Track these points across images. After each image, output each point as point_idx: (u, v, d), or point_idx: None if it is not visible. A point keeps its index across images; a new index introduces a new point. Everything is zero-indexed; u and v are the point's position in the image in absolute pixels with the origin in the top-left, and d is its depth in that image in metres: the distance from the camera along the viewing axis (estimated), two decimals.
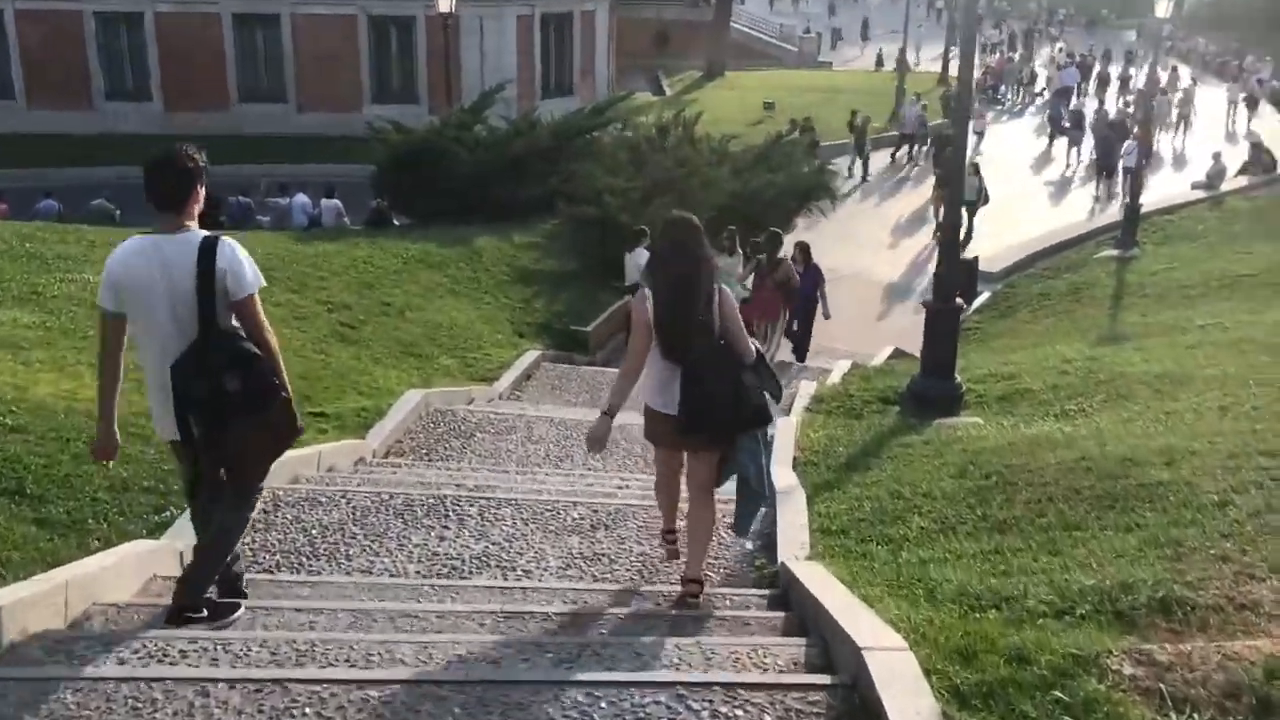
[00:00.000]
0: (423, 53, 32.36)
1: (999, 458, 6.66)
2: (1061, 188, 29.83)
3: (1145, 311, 16.52)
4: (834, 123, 32.70)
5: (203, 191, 4.32)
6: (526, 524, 5.91)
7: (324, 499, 6.11)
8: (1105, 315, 17.06)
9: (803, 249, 14.96)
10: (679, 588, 4.99)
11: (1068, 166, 31.45)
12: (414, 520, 5.91)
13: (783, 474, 7.04)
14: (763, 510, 5.52)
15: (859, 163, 29.40)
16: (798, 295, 14.62)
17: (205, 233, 4.22)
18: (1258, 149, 30.49)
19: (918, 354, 17.89)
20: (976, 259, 21.24)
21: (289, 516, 5.91)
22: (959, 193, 10.13)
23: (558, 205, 17.31)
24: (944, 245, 10.33)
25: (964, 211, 23.01)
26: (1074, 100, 36.87)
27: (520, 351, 12.62)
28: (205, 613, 4.33)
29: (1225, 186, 28.10)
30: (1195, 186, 27.69)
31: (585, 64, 36.18)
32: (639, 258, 15.09)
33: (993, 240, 23.67)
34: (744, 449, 4.95)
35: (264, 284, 4.32)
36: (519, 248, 16.92)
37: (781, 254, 14.47)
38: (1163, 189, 28.63)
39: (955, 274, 10.40)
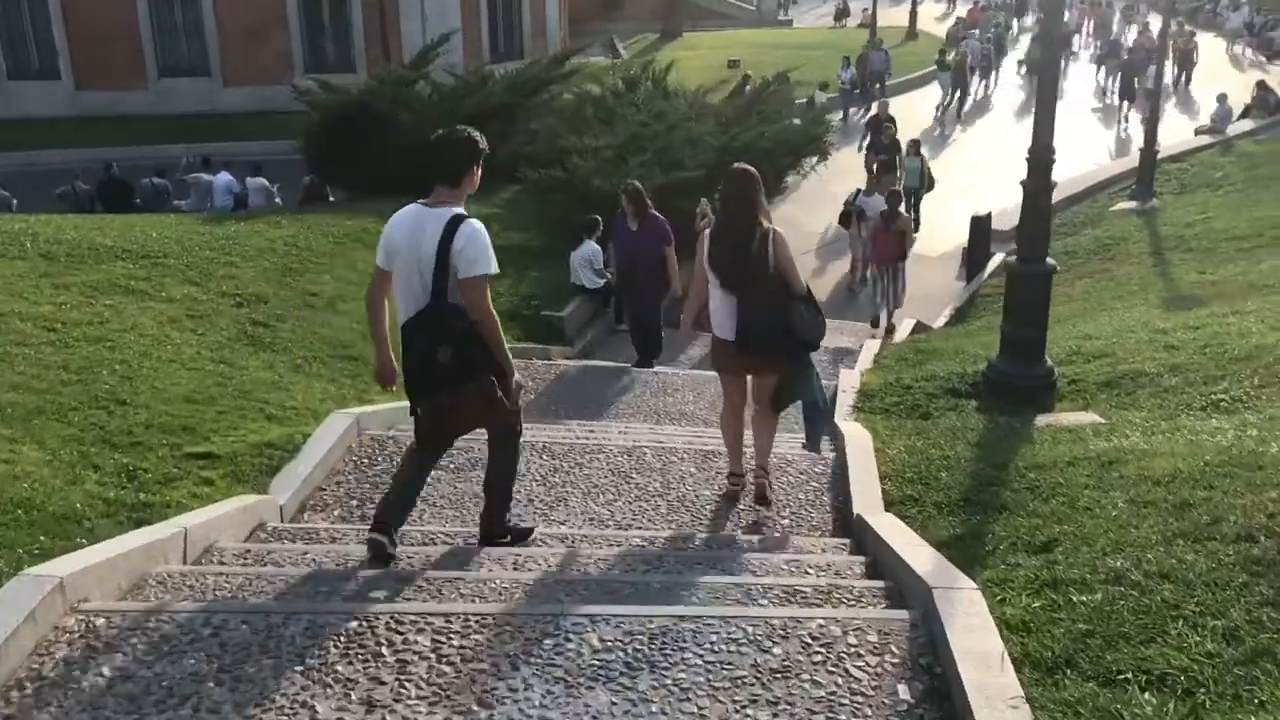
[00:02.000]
0: (359, 18, 29.54)
1: (1235, 496, 4.32)
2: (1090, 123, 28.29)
3: (1203, 268, 14.33)
4: (805, 80, 30.38)
5: (479, 174, 4.61)
6: (514, 664, 3.46)
7: (169, 631, 3.63)
8: (1152, 273, 14.86)
9: (633, 196, 10.55)
10: None
11: (1105, 93, 31.45)
12: (323, 666, 3.45)
13: (888, 524, 4.69)
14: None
15: (956, 95, 29.30)
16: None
17: (460, 210, 4.47)
18: (1264, 89, 28.73)
19: (936, 326, 15.65)
20: (989, 215, 18.99)
21: (97, 670, 3.43)
22: (1050, 111, 7.73)
23: (518, 170, 14.76)
24: (1029, 189, 7.98)
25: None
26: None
27: None
28: (509, 539, 4.96)
29: (1231, 130, 26.38)
30: (1200, 131, 26.06)
31: (536, 25, 33.44)
32: (587, 253, 12.63)
33: (1000, 194, 21.48)
34: (800, 375, 5.56)
35: (495, 271, 4.52)
36: None
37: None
38: (1166, 135, 26.78)
39: (1041, 225, 8.06)
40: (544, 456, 6.45)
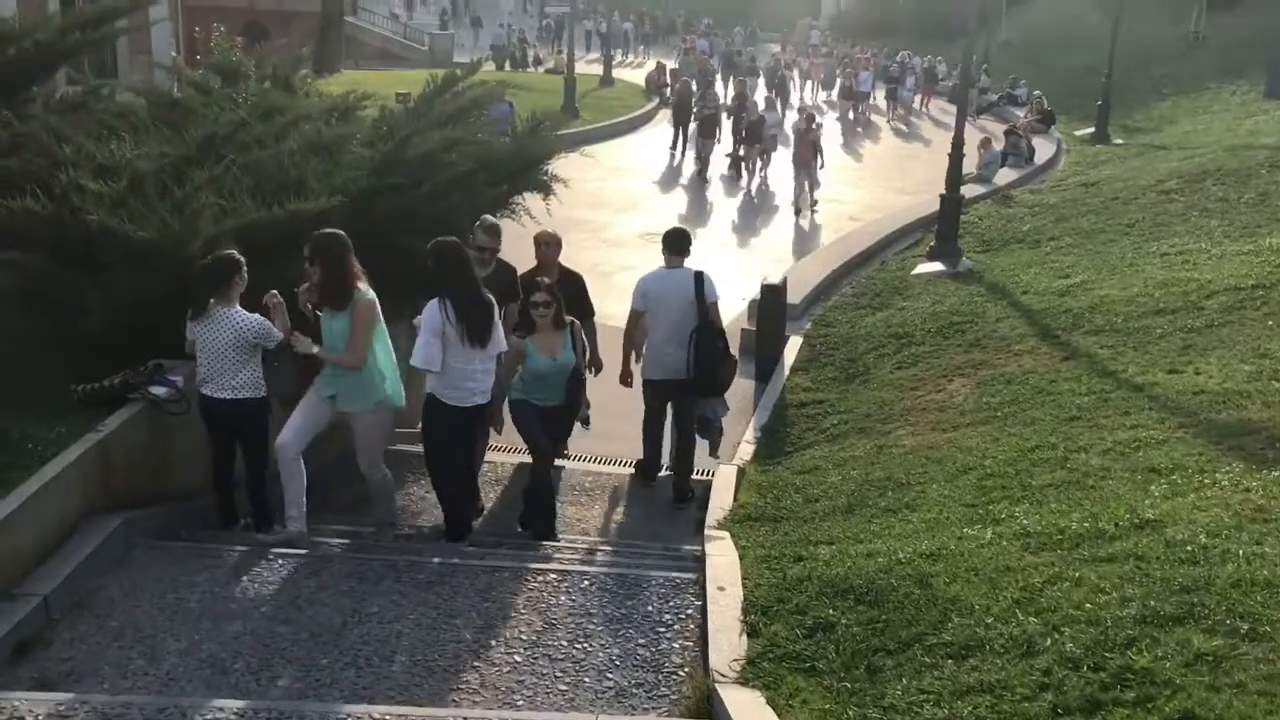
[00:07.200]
0: None
1: None
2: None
3: (1169, 363, 8.98)
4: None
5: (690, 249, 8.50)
6: None
7: None
8: (1082, 370, 9.38)
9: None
10: None
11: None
12: None
13: None
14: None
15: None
16: None
17: (693, 269, 8.19)
18: (1013, 135, 25.83)
19: (742, 456, 9.37)
20: (784, 283, 13.20)
21: None
22: None
23: None
24: None
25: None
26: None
27: None
28: (692, 495, 8.39)
29: (999, 180, 23.01)
30: (966, 180, 22.06)
31: (136, 42, 25.19)
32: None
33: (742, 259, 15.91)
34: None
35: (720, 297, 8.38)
36: None
37: None
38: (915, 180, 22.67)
39: None
40: None
